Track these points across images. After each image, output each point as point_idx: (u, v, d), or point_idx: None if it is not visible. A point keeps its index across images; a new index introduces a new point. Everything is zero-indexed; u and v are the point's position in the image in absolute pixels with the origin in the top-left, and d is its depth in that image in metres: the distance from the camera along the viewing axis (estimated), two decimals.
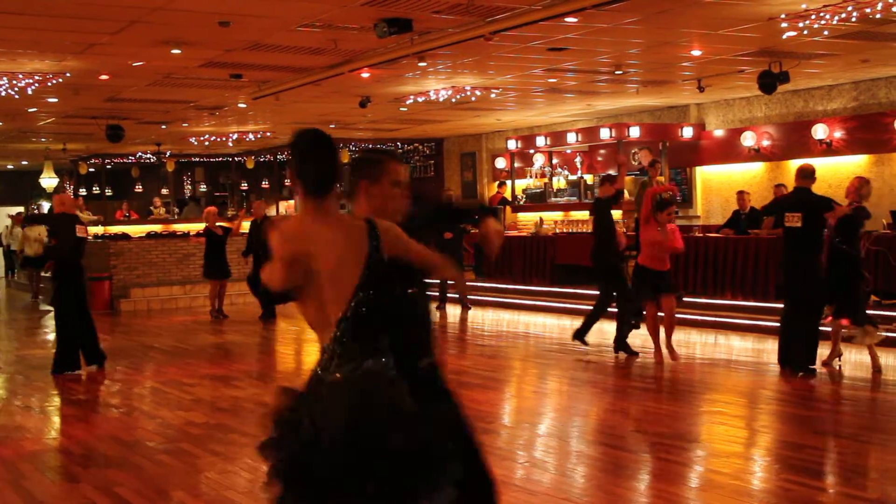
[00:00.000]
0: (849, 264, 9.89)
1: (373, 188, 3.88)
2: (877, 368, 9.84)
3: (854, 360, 10.80)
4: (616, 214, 13.69)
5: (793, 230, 9.88)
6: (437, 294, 16.58)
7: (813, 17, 10.43)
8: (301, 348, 14.01)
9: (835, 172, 16.26)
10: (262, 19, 10.21)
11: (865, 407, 8.82)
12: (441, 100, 16.40)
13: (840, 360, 10.38)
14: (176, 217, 25.58)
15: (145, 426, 8.43)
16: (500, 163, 22.92)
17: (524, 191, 21.59)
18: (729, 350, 12.01)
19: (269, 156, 26.84)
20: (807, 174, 10.06)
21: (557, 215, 19.56)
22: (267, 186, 28.15)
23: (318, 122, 19.96)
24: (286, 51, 11.92)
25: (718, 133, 18.27)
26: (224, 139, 23.22)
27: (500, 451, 7.15)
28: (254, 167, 27.03)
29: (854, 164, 15.96)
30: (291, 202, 26.26)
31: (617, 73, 14.27)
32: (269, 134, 22.44)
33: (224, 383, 10.34)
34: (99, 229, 22.78)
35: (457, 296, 16.43)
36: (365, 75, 13.59)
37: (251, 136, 22.62)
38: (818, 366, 9.91)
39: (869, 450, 7.15)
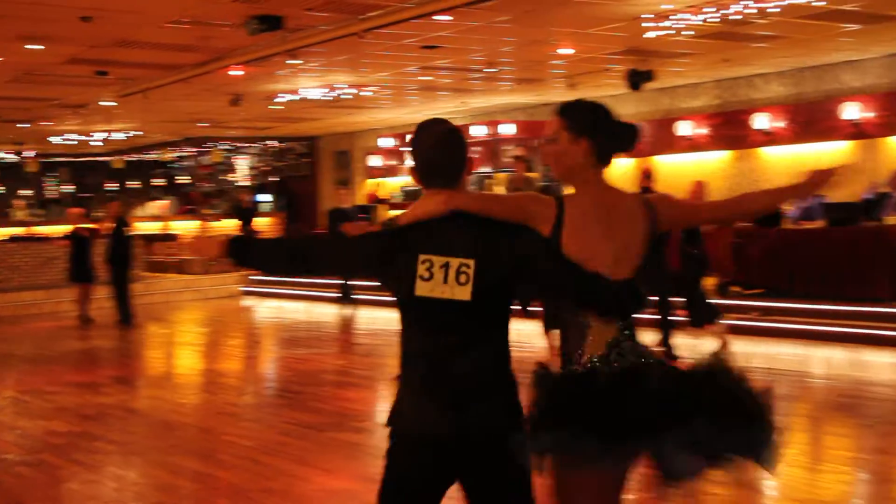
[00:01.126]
0: (693, 265, 10.34)
1: None
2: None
3: (732, 351, 11.15)
4: None
5: None
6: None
7: (675, 17, 10.73)
8: (171, 351, 13.73)
9: (699, 168, 16.76)
10: (128, 14, 9.96)
11: None
12: (314, 98, 16.28)
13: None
14: (40, 219, 24.75)
15: (3, 438, 8.10)
16: (375, 161, 22.87)
17: (401, 189, 21.59)
18: None
19: (137, 155, 26.18)
20: (647, 175, 10.89)
21: None
22: (136, 186, 27.48)
23: (189, 120, 19.59)
24: (154, 48, 11.66)
25: None
26: (90, 138, 22.57)
27: (375, 450, 7.14)
28: (123, 167, 26.33)
29: (717, 160, 16.49)
30: (163, 202, 25.67)
31: (490, 70, 14.40)
32: (137, 133, 21.89)
33: (89, 390, 10.03)
34: None
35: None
36: (236, 73, 13.38)
37: (119, 135, 22.03)
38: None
39: None
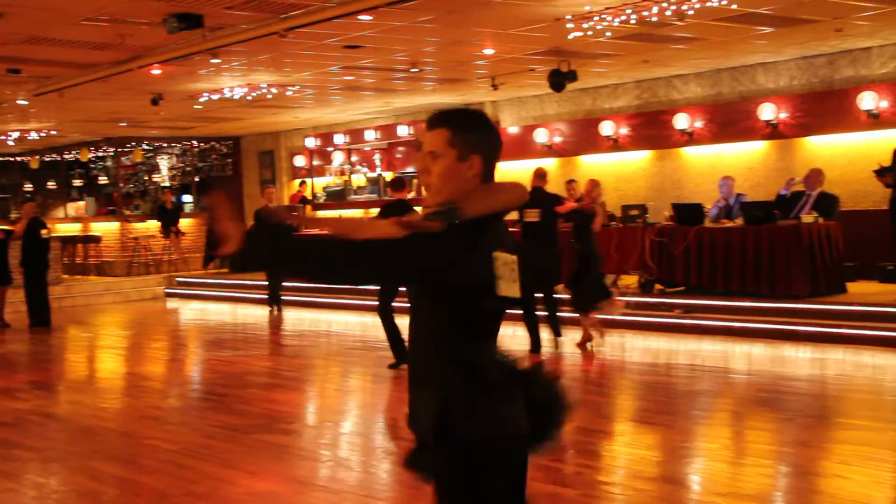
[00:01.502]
0: (582, 259, 10.90)
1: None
2: (585, 339, 11.01)
3: (642, 347, 11.33)
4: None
5: (530, 224, 10.92)
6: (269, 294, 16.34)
7: (596, 18, 10.85)
8: (92, 355, 13.48)
9: (622, 168, 17.00)
10: (41, 11, 9.74)
11: (650, 391, 9.25)
12: (237, 97, 16.12)
13: (592, 343, 11.02)
14: None
15: None
16: (300, 161, 22.74)
17: (324, 189, 21.51)
18: (527, 341, 12.32)
19: (55, 155, 25.62)
20: (541, 175, 11.16)
21: (358, 213, 19.59)
22: (54, 187, 26.91)
23: (108, 119, 19.25)
24: (70, 45, 11.42)
25: (513, 130, 18.72)
26: (7, 137, 22.03)
27: (303, 452, 7.11)
28: (38, 167, 25.76)
29: (639, 160, 16.72)
30: (81, 203, 25.17)
31: (413, 70, 14.41)
32: (53, 132, 21.44)
33: (6, 395, 9.79)
34: None
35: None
36: (156, 72, 13.19)
37: (34, 134, 21.55)
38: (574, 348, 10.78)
39: (656, 431, 7.50)
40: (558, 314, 11.42)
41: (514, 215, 10.77)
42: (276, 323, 15.27)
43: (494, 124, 3.01)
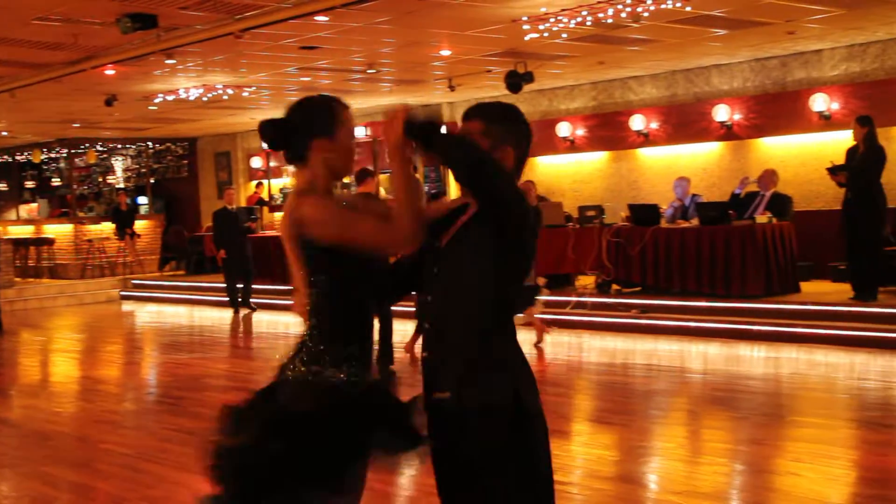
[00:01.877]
0: None
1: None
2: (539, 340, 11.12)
3: (598, 347, 11.39)
4: None
5: None
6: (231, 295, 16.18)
7: (552, 20, 10.90)
8: (46, 359, 13.32)
9: (578, 169, 17.09)
10: None
11: (607, 391, 9.31)
12: (192, 98, 16.00)
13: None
14: None
15: None
16: (256, 162, 22.61)
17: (281, 190, 21.40)
18: None
19: (6, 157, 25.26)
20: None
21: None
22: (5, 189, 26.52)
23: (61, 120, 19.02)
24: (21, 45, 11.27)
25: None
26: None
27: None
28: None
29: (595, 161, 16.82)
30: (34, 205, 24.83)
31: (370, 71, 14.39)
32: (5, 133, 21.14)
33: None
34: None
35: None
36: (110, 72, 13.04)
37: None
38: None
39: (613, 430, 7.55)
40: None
41: None
42: (234, 325, 15.17)
43: (525, 118, 3.19)
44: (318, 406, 3.06)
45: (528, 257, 3.05)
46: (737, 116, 14.86)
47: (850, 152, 11.06)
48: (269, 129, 3.41)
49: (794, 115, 14.23)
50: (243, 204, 20.76)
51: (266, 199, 21.09)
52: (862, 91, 13.60)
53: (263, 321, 15.43)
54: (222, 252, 15.43)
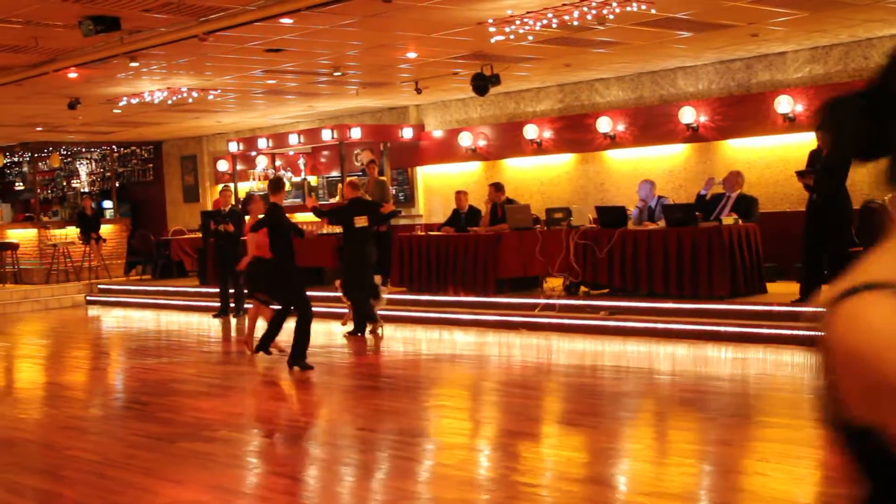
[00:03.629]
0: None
1: None
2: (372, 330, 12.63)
3: (567, 349, 11.42)
4: None
5: (359, 229, 12.33)
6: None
7: (518, 22, 10.92)
8: (10, 365, 13.16)
9: (545, 171, 17.13)
10: None
11: (575, 393, 9.33)
12: (157, 101, 15.88)
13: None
14: None
15: None
16: (223, 165, 22.48)
17: (248, 193, 21.26)
18: (452, 345, 12.36)
19: None
20: (355, 186, 12.73)
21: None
22: None
23: (23, 123, 18.82)
24: None
25: (437, 134, 18.76)
26: None
27: (229, 460, 7.01)
28: None
29: (562, 163, 16.86)
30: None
31: (336, 74, 14.35)
32: None
33: None
34: None
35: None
36: (72, 75, 12.92)
37: None
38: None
39: (582, 432, 7.56)
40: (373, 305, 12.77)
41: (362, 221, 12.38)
42: (226, 331, 15.02)
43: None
44: None
45: None
46: (702, 118, 14.95)
47: (814, 154, 11.15)
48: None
49: (759, 117, 14.34)
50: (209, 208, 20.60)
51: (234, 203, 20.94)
52: (826, 93, 13.71)
53: (231, 325, 15.34)
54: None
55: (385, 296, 13.37)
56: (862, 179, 13.06)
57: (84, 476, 6.71)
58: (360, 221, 12.33)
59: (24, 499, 6.35)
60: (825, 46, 13.83)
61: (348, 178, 13.41)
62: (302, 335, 10.40)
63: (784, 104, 13.91)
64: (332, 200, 18.92)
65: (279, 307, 10.95)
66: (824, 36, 13.04)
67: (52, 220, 22.84)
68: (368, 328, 12.72)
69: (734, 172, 12.85)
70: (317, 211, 13.59)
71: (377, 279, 13.20)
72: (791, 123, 13.95)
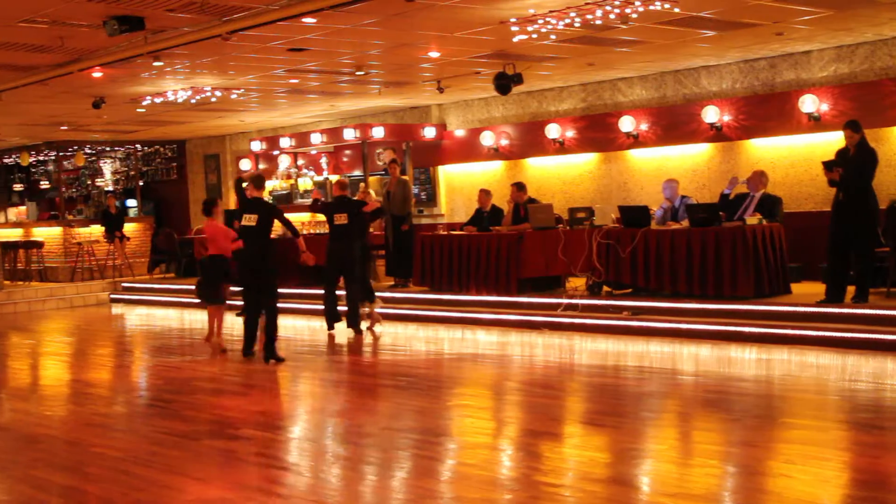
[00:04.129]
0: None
1: None
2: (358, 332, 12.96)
3: (590, 349, 11.39)
4: None
5: (338, 226, 12.88)
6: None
7: (540, 21, 10.90)
8: (35, 362, 13.25)
9: (568, 170, 17.10)
10: None
11: (598, 393, 9.30)
12: (181, 100, 15.96)
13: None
14: None
15: None
16: (245, 164, 22.54)
17: (270, 192, 21.33)
18: (475, 344, 12.35)
19: None
20: (343, 186, 13.37)
21: (304, 216, 19.46)
22: None
23: (48, 122, 18.96)
24: (7, 47, 11.24)
25: (459, 133, 18.75)
26: None
27: (251, 458, 7.04)
28: None
29: (585, 162, 16.82)
30: (23, 208, 24.74)
31: (358, 73, 14.36)
32: None
33: None
34: None
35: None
36: (97, 75, 13.00)
37: None
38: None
39: (605, 433, 7.54)
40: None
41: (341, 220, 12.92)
42: (227, 328, 15.06)
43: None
44: None
45: None
46: (726, 118, 14.87)
47: (840, 153, 11.05)
48: None
49: (784, 117, 14.25)
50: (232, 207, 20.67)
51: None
52: (851, 92, 13.63)
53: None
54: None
55: (381, 302, 13.69)
56: (888, 179, 13.00)
57: (108, 473, 6.74)
58: (340, 219, 12.86)
59: (49, 495, 6.39)
60: (850, 45, 13.72)
61: (338, 178, 14.47)
62: (275, 329, 11.14)
63: (809, 103, 13.82)
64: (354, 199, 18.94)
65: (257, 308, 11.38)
66: (850, 34, 12.94)
67: (77, 218, 22.99)
68: (365, 324, 13.23)
69: (758, 172, 12.77)
70: (313, 204, 14.62)
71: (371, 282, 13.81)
72: (816, 123, 13.86)
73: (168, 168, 24.99)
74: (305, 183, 20.78)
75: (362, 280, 13.13)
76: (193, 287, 13.96)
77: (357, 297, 12.99)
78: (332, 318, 13.19)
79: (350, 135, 18.19)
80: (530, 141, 17.46)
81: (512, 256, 13.61)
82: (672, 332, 11.53)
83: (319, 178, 20.57)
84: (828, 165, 11.06)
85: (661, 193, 13.52)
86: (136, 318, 17.64)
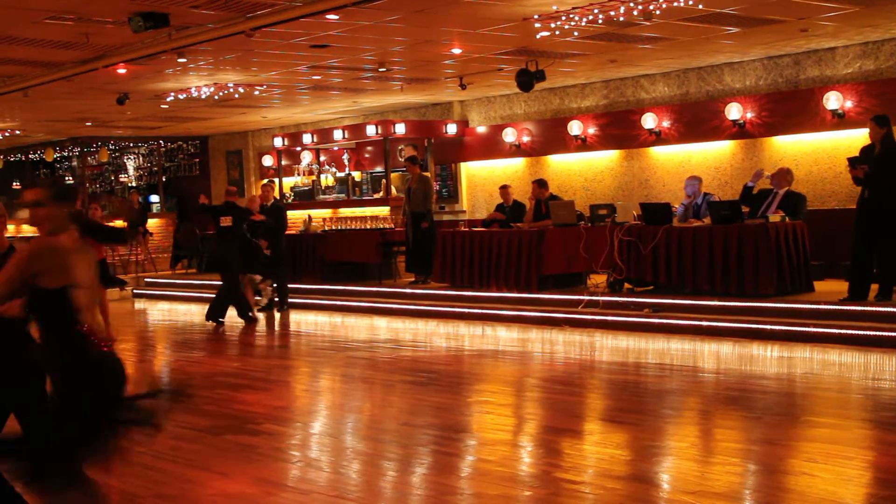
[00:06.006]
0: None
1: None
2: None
3: (611, 346, 11.37)
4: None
5: (223, 227, 14.45)
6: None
7: (563, 18, 10.88)
8: None
9: (589, 167, 17.06)
10: (3, 10, 9.64)
11: (619, 390, 9.28)
12: (204, 97, 16.03)
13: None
14: None
15: None
16: (268, 160, 22.63)
17: (292, 188, 21.41)
18: (495, 341, 12.35)
19: (20, 155, 25.35)
20: (231, 193, 15.04)
21: (326, 213, 19.52)
22: (18, 187, 26.60)
23: (73, 118, 19.09)
24: (33, 44, 11.31)
25: (481, 129, 18.74)
26: None
27: (273, 453, 7.07)
28: (3, 168, 25.49)
29: (607, 159, 16.78)
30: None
31: (381, 70, 14.38)
32: (18, 132, 21.21)
33: None
34: None
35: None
36: (121, 71, 13.08)
37: None
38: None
39: (625, 430, 7.52)
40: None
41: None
42: (270, 326, 15.14)
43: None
44: None
45: None
46: (749, 115, 14.80)
47: (865, 150, 10.97)
48: None
49: (808, 114, 14.17)
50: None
51: (277, 197, 21.09)
52: (876, 89, 13.53)
53: (275, 319, 15.44)
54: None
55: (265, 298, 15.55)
56: None
57: (130, 467, 6.78)
58: (225, 221, 14.40)
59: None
60: (876, 42, 13.63)
61: (229, 186, 17.39)
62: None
63: (833, 100, 13.73)
64: (376, 196, 19.01)
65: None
66: (875, 31, 12.85)
67: (101, 213, 23.09)
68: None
69: (783, 169, 12.68)
70: (200, 206, 16.17)
71: (257, 278, 15.29)
72: (840, 120, 13.77)
73: (191, 164, 25.10)
74: (327, 179, 20.82)
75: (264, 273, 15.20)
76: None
77: (234, 291, 14.42)
78: (218, 313, 14.56)
79: (372, 131, 18.23)
80: (552, 138, 17.43)
81: (533, 253, 13.59)
82: (693, 330, 11.49)
83: (342, 175, 20.62)
84: (852, 162, 10.96)
85: (683, 190, 13.47)
86: (159, 312, 17.74)
